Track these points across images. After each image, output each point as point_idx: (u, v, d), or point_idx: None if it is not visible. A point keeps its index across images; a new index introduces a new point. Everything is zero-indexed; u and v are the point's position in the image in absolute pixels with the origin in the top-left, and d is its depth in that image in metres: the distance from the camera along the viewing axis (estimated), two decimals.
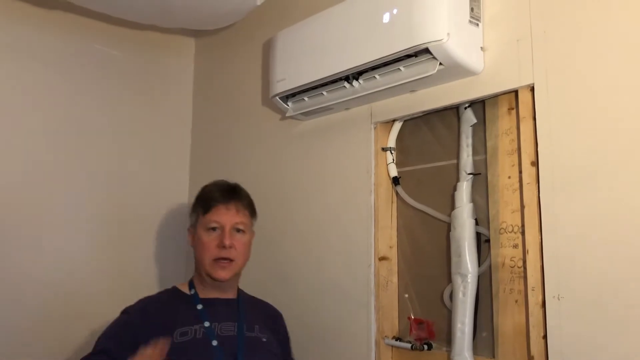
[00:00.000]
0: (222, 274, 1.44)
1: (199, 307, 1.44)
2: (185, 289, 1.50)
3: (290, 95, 1.81)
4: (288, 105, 1.84)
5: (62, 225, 2.04)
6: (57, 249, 2.01)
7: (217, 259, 1.43)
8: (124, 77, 2.27)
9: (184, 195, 2.40)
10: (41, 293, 1.94)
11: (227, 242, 1.43)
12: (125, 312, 1.44)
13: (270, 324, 1.53)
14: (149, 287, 1.97)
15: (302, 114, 1.84)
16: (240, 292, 1.55)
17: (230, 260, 1.44)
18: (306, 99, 1.77)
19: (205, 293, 1.48)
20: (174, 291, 1.51)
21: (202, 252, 1.45)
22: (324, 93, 1.70)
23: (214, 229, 1.46)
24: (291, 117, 1.90)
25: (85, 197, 2.11)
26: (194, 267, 1.51)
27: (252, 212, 1.55)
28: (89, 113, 2.15)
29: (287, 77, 1.76)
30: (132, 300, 1.47)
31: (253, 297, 1.59)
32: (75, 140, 2.11)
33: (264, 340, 1.46)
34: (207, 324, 1.41)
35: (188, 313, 1.43)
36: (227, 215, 1.47)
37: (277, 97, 1.82)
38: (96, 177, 2.14)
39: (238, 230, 1.48)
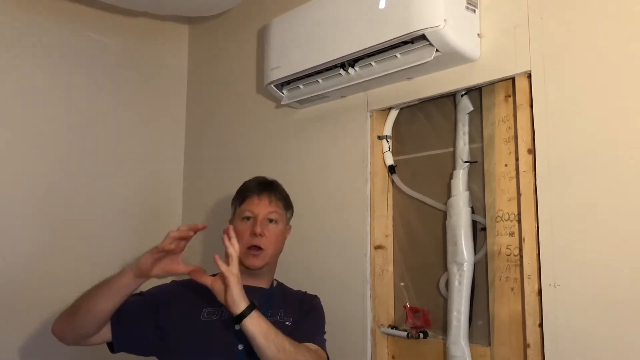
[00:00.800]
0: (254, 262, 1.48)
1: None
2: None
3: (285, 83, 1.79)
4: (283, 93, 1.82)
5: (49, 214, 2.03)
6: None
7: (250, 247, 1.48)
8: (117, 65, 2.25)
9: (179, 183, 2.39)
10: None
11: (257, 230, 1.47)
12: (173, 281, 1.56)
13: (300, 307, 1.53)
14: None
15: (297, 102, 1.82)
16: (275, 282, 1.59)
17: (261, 248, 1.48)
18: (301, 86, 1.75)
19: None
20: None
21: (237, 241, 1.46)
22: (320, 80, 1.69)
23: (248, 218, 1.51)
24: (286, 105, 1.89)
25: (76, 190, 2.09)
26: None
27: (286, 205, 1.59)
28: (83, 101, 2.13)
29: (282, 65, 1.75)
30: None
31: (287, 288, 1.62)
32: (68, 129, 2.09)
33: (288, 324, 1.48)
34: None
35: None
36: (259, 206, 1.52)
37: (272, 85, 1.80)
38: (88, 165, 2.12)
39: (271, 221, 1.52)
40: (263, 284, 1.53)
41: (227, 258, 1.30)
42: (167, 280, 1.52)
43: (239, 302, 1.27)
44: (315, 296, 1.59)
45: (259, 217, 1.50)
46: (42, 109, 2.03)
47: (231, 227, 1.36)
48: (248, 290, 1.48)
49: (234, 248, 1.31)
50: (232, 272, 1.28)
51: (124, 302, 1.36)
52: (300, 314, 1.52)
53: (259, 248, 1.48)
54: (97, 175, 2.15)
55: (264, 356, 1.29)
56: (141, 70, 2.32)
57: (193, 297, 1.46)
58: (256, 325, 1.28)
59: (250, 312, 1.28)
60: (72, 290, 1.97)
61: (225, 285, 1.28)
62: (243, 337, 1.36)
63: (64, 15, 2.12)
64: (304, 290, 1.61)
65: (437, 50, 1.41)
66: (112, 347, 1.42)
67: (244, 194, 1.56)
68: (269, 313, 1.47)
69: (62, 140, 2.07)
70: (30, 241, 1.97)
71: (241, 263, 1.47)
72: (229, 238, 1.32)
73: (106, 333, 1.39)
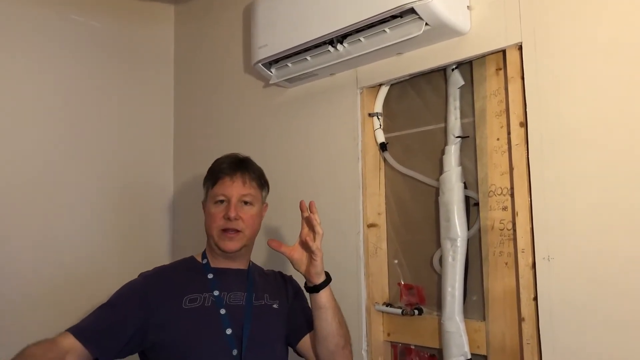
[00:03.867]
0: (230, 244, 1.44)
1: (210, 276, 1.46)
2: (199, 259, 1.52)
3: (274, 62, 1.76)
4: (271, 72, 1.80)
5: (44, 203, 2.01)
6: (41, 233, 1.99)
7: (224, 230, 1.44)
8: (103, 47, 2.21)
9: (169, 165, 2.37)
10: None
11: (232, 214, 1.43)
12: (141, 275, 1.47)
13: (285, 290, 1.54)
14: (134, 265, 1.95)
15: (286, 80, 1.80)
16: (251, 263, 1.56)
17: (237, 231, 1.44)
18: (290, 64, 1.73)
19: (216, 263, 1.49)
20: (190, 260, 1.53)
21: (210, 224, 1.46)
22: (308, 58, 1.66)
23: (221, 201, 1.46)
24: (275, 84, 1.86)
25: (66, 171, 2.06)
26: (207, 238, 1.51)
27: (261, 184, 1.53)
28: (68, 85, 2.10)
29: (269, 43, 1.72)
30: (116, 281, 1.47)
31: (262, 268, 1.60)
32: (53, 113, 2.06)
33: (275, 307, 1.47)
34: (216, 292, 1.42)
35: (199, 281, 1.45)
36: (232, 188, 1.46)
37: (260, 64, 1.77)
38: (75, 150, 2.10)
39: (245, 203, 1.47)
40: (241, 265, 1.50)
41: (314, 234, 1.34)
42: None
43: (321, 274, 1.36)
44: (291, 276, 1.57)
45: (232, 200, 1.44)
46: (26, 94, 1.99)
47: (314, 203, 1.38)
48: (229, 273, 1.48)
49: (320, 226, 1.35)
50: (320, 248, 1.34)
51: (92, 320, 1.31)
52: (287, 298, 1.51)
53: (235, 231, 1.44)
54: (85, 158, 2.12)
55: (328, 327, 1.37)
56: (127, 51, 2.29)
57: (169, 287, 1.41)
58: (330, 297, 1.38)
59: (328, 284, 1.37)
60: (63, 280, 1.99)
61: (312, 259, 1.34)
62: (229, 321, 1.37)
63: None
64: (277, 270, 1.59)
65: (426, 24, 1.38)
66: None
67: (216, 175, 1.49)
68: (253, 296, 1.45)
69: (48, 125, 2.04)
70: (18, 227, 1.95)
71: (216, 246, 1.45)
72: (313, 213, 1.36)
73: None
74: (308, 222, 1.37)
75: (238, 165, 1.50)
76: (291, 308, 1.50)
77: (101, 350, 1.28)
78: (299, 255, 1.38)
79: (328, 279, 1.37)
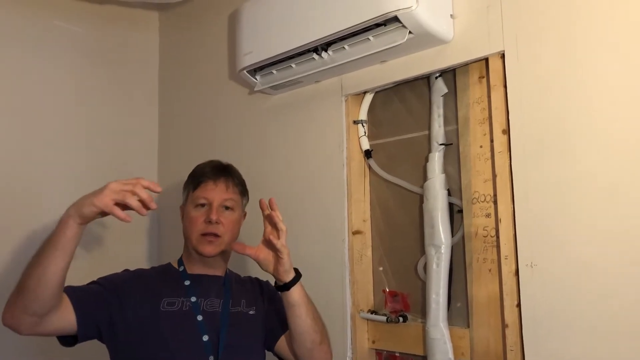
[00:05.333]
0: (209, 248, 1.42)
1: (187, 282, 1.45)
2: (176, 265, 1.51)
3: (258, 69, 1.76)
4: (256, 79, 1.79)
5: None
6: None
7: (204, 234, 1.42)
8: (87, 54, 2.19)
9: (153, 171, 2.34)
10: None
11: (213, 217, 1.41)
12: (126, 270, 1.48)
13: (261, 295, 1.53)
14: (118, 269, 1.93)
15: (271, 87, 1.80)
16: (228, 270, 1.54)
17: (217, 235, 1.43)
18: (275, 72, 1.73)
19: (193, 269, 1.47)
20: (167, 266, 1.52)
21: (189, 227, 1.45)
22: (293, 66, 1.66)
23: (202, 205, 1.45)
24: (260, 91, 1.86)
25: (46, 176, 2.04)
26: (184, 243, 1.50)
27: (242, 191, 1.52)
28: (51, 92, 2.08)
29: (254, 50, 1.72)
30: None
31: (238, 275, 1.58)
32: (36, 120, 2.03)
33: (252, 313, 1.46)
34: (193, 299, 1.41)
35: (176, 288, 1.44)
36: (215, 192, 1.45)
37: (245, 71, 1.77)
38: (58, 155, 2.07)
39: (227, 208, 1.46)
40: (218, 272, 1.49)
41: (277, 232, 1.31)
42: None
43: (289, 271, 1.32)
44: (267, 281, 1.56)
45: (214, 204, 1.43)
46: (8, 100, 1.97)
47: (273, 199, 1.33)
48: (205, 280, 1.46)
49: (283, 223, 1.31)
50: (285, 245, 1.30)
51: (83, 288, 1.32)
52: (263, 303, 1.50)
53: (215, 235, 1.42)
54: (68, 165, 2.09)
55: (303, 324, 1.35)
56: (111, 58, 2.27)
57: (148, 287, 1.41)
58: (302, 293, 1.35)
59: (298, 281, 1.34)
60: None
61: (279, 257, 1.30)
62: (206, 328, 1.36)
63: (29, 3, 2.06)
64: (253, 276, 1.58)
65: (410, 32, 1.39)
66: (72, 338, 1.31)
67: (198, 178, 1.47)
68: (230, 302, 1.44)
69: (30, 131, 2.01)
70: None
71: (195, 250, 1.44)
72: (274, 210, 1.32)
73: (67, 314, 1.26)
74: (270, 220, 1.33)
75: (221, 171, 1.49)
76: (267, 311, 1.49)
77: (80, 304, 1.28)
78: (265, 254, 1.33)
79: (298, 275, 1.34)
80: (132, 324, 1.34)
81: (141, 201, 1.16)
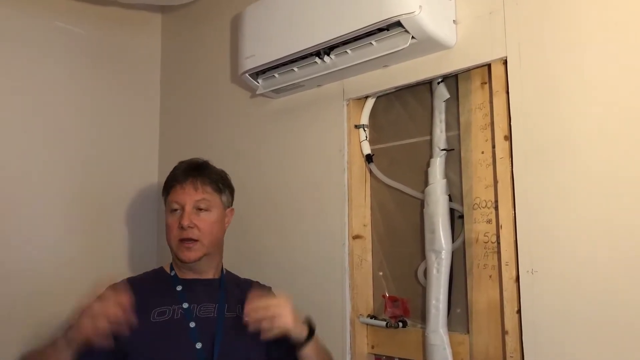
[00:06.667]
0: (188, 254, 1.39)
1: (178, 288, 1.42)
2: (168, 270, 1.48)
3: (260, 72, 1.76)
4: (258, 83, 1.79)
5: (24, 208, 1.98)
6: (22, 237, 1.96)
7: (182, 240, 1.39)
8: (88, 55, 2.19)
9: (154, 175, 2.34)
10: (12, 283, 1.90)
11: (185, 223, 1.38)
12: (109, 287, 1.41)
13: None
14: (119, 270, 1.93)
15: (272, 91, 1.80)
16: (224, 272, 1.51)
17: (194, 240, 1.39)
18: (277, 75, 1.73)
19: (183, 274, 1.45)
20: (159, 271, 1.49)
21: (167, 235, 1.43)
22: (295, 69, 1.66)
23: (175, 210, 1.42)
24: (262, 95, 1.86)
25: (49, 179, 2.04)
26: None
27: (218, 188, 1.47)
28: (52, 93, 2.07)
29: (256, 53, 1.71)
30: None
31: (237, 277, 1.55)
32: (38, 121, 2.03)
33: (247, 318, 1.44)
34: (185, 305, 1.38)
35: (168, 294, 1.41)
36: (184, 195, 1.41)
37: (247, 74, 1.77)
38: (60, 158, 2.07)
39: (200, 209, 1.42)
40: (210, 275, 1.46)
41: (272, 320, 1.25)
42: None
43: (302, 332, 1.28)
44: (270, 288, 1.53)
45: (186, 208, 1.40)
46: (10, 101, 1.97)
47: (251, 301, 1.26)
48: (197, 284, 1.42)
49: (267, 309, 1.25)
50: (283, 325, 1.24)
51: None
52: None
53: (192, 240, 1.39)
54: (69, 167, 2.09)
55: None
56: (113, 60, 2.27)
57: (137, 300, 1.33)
58: (314, 346, 1.30)
59: (311, 338, 1.29)
60: (43, 285, 1.96)
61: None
62: (199, 335, 1.33)
63: (31, 4, 2.06)
64: (256, 280, 1.55)
65: (412, 37, 1.39)
66: None
67: (169, 183, 1.45)
68: (225, 307, 1.41)
69: (32, 132, 2.01)
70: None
71: (176, 257, 1.41)
72: (251, 312, 1.25)
73: None
74: (257, 321, 1.25)
75: (192, 170, 1.45)
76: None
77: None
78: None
79: (311, 331, 1.29)
80: (122, 339, 1.27)
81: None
